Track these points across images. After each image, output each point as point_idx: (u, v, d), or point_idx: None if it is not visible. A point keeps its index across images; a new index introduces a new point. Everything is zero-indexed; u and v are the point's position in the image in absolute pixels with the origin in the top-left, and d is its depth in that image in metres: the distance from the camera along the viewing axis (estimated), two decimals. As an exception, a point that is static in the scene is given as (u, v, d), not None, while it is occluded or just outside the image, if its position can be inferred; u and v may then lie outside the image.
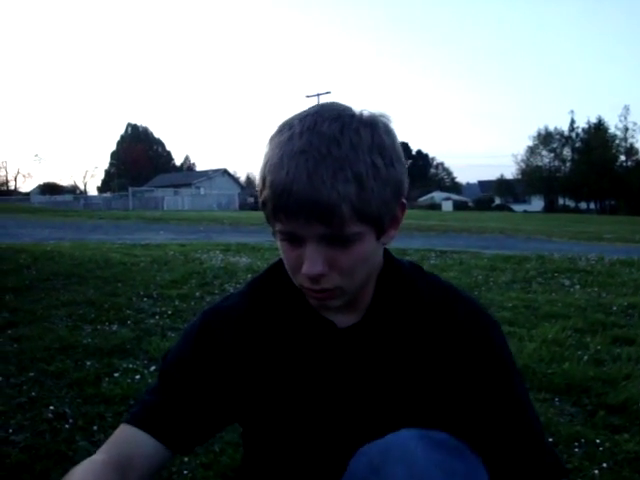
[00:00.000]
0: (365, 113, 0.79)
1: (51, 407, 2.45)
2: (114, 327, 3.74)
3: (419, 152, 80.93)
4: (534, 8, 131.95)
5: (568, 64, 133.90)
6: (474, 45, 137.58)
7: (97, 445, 0.88)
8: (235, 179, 68.87)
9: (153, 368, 2.93)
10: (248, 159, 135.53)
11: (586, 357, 3.33)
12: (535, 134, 66.93)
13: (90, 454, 0.85)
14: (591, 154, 59.81)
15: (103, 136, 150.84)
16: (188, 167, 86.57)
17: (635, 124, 68.19)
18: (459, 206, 56.89)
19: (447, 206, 56.28)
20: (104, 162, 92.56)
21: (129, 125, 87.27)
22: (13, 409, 2.44)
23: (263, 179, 0.78)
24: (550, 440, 2.22)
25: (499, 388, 0.86)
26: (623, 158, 62.83)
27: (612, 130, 63.87)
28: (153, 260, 6.71)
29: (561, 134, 65.86)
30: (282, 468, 0.90)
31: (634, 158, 61.51)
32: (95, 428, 2.27)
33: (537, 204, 63.77)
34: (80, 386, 2.69)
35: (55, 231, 12.15)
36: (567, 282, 6.15)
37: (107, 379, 2.79)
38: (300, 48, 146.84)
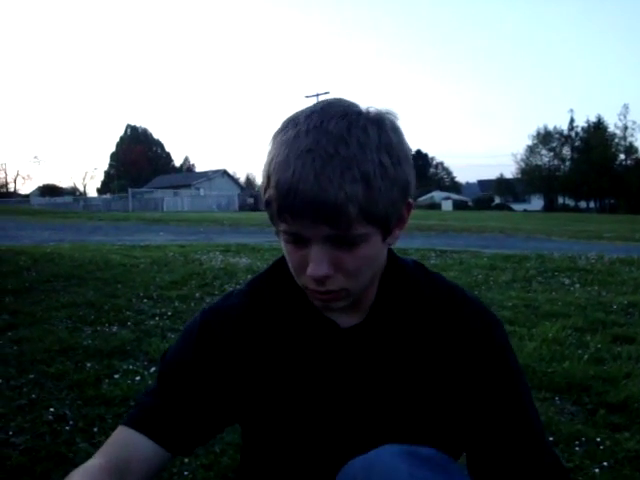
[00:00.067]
0: (372, 110, 0.77)
1: (51, 409, 2.45)
2: (114, 328, 3.74)
3: (419, 152, 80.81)
4: (534, 8, 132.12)
5: (567, 63, 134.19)
6: (474, 45, 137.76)
7: (97, 447, 0.87)
8: (235, 180, 68.83)
9: (153, 369, 2.93)
10: (248, 160, 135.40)
11: (586, 356, 3.33)
12: (534, 133, 67.08)
13: (90, 456, 0.84)
14: (591, 153, 59.83)
15: (102, 137, 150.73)
16: (188, 168, 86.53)
17: (634, 123, 67.99)
18: (459, 206, 56.88)
19: (447, 206, 56.28)
20: (103, 163, 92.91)
21: (128, 126, 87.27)
22: (13, 411, 2.43)
23: (268, 178, 0.75)
24: (551, 439, 2.22)
25: (502, 388, 0.85)
26: (622, 157, 62.89)
27: (611, 129, 64.01)
28: (153, 261, 6.71)
29: (560, 133, 65.96)
30: (282, 468, 0.90)
31: (633, 157, 61.54)
32: (95, 430, 2.27)
33: (537, 203, 63.80)
34: (80, 388, 2.69)
35: (55, 233, 12.16)
36: (567, 281, 6.16)
37: (107, 380, 2.79)
38: (299, 48, 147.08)
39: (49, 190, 66.70)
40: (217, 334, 0.90)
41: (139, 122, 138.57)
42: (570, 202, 63.62)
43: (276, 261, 0.93)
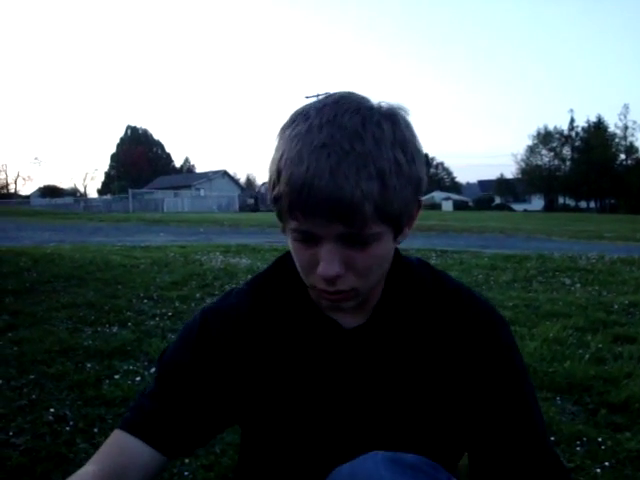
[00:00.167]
0: (384, 105, 0.75)
1: (51, 409, 2.44)
2: (114, 329, 3.74)
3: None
4: (534, 8, 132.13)
5: (567, 63, 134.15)
6: (474, 45, 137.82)
7: (97, 447, 0.85)
8: (235, 180, 68.83)
9: (153, 370, 2.92)
10: (248, 161, 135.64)
11: (587, 356, 3.33)
12: (535, 133, 67.07)
13: (90, 456, 0.83)
14: (591, 153, 59.82)
15: (103, 138, 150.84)
16: (188, 169, 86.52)
17: (635, 123, 67.76)
18: (459, 206, 56.86)
19: (447, 206, 56.24)
20: (104, 164, 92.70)
21: (129, 127, 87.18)
22: (13, 412, 2.43)
23: (277, 173, 0.72)
24: (552, 439, 2.22)
25: (507, 388, 0.84)
26: (623, 157, 62.87)
27: (612, 129, 63.95)
28: (153, 262, 6.71)
29: (561, 133, 65.93)
30: (282, 469, 0.89)
31: (634, 157, 61.50)
32: (96, 430, 2.27)
33: (537, 203, 63.78)
34: (80, 388, 2.69)
35: (55, 234, 12.16)
36: (568, 281, 6.15)
37: (107, 381, 2.79)
38: (299, 48, 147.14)
39: (50, 191, 66.72)
40: (217, 335, 0.88)
41: (139, 123, 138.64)
42: (570, 202, 63.60)
43: (277, 260, 0.91)
